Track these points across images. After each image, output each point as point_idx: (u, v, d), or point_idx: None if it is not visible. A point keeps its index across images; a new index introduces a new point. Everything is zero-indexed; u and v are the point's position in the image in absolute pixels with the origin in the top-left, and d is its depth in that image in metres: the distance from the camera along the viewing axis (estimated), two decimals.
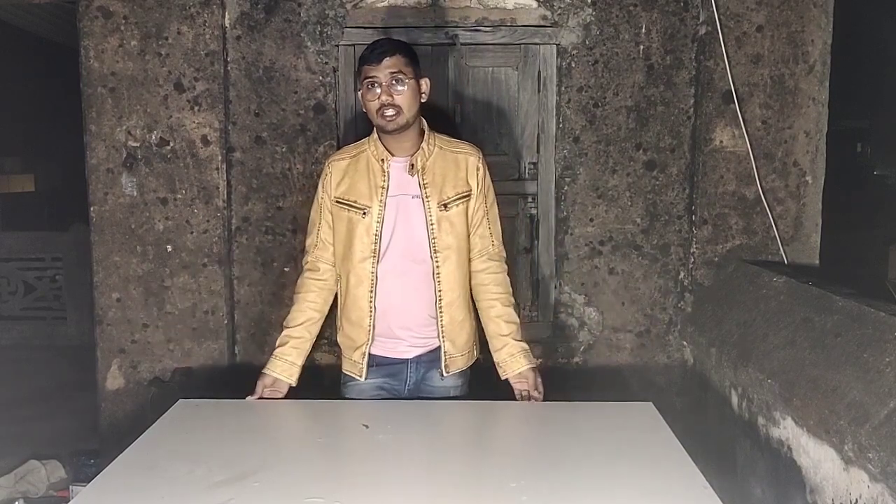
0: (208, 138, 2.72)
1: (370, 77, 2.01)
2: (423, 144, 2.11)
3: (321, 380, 2.59)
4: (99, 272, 2.75)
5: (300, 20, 2.74)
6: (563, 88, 2.79)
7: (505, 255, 2.24)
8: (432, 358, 2.17)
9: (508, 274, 2.24)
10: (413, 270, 2.12)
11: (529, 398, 2.12)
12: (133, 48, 2.68)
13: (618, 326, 2.89)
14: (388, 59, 2.01)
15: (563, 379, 2.81)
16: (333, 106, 2.78)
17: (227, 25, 2.73)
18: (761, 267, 2.62)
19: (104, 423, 2.82)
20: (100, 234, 2.75)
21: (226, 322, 2.79)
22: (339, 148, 2.62)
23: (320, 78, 2.76)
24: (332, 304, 2.24)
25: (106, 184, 2.73)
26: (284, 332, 2.18)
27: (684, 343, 2.87)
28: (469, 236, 2.16)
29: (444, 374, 2.16)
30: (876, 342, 1.82)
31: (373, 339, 2.14)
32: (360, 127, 2.67)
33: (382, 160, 2.11)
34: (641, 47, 2.77)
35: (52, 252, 5.69)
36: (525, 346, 2.16)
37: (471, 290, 2.21)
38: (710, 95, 2.75)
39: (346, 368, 2.21)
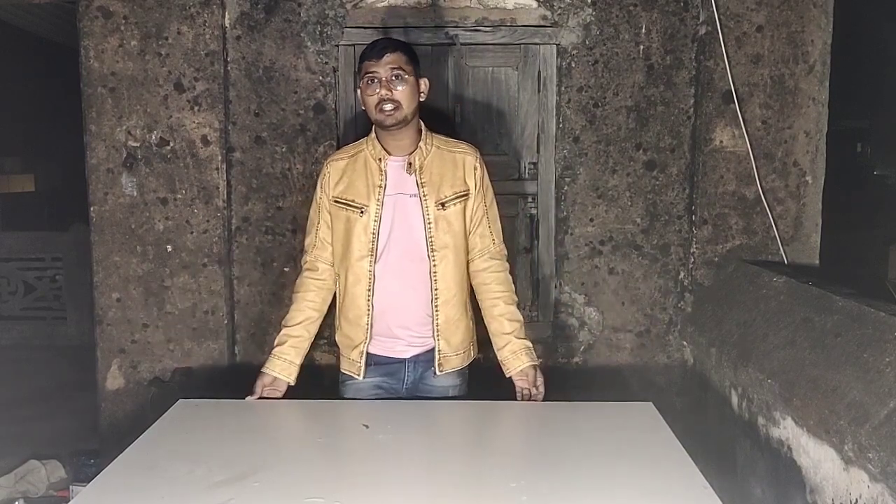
0: (208, 138, 2.72)
1: (370, 73, 2.02)
2: (421, 144, 2.12)
3: (320, 380, 2.60)
4: (99, 272, 2.75)
5: (300, 20, 2.74)
6: (563, 88, 2.79)
7: (506, 253, 2.25)
8: (429, 357, 2.17)
9: (509, 273, 2.24)
10: (411, 269, 2.12)
11: (530, 396, 2.12)
12: (133, 48, 2.68)
13: (618, 326, 2.89)
14: (388, 55, 2.02)
15: (563, 379, 2.81)
16: (333, 106, 2.78)
17: (227, 25, 2.73)
18: (761, 267, 2.61)
19: (104, 423, 2.82)
20: (100, 234, 2.75)
21: (226, 322, 2.79)
22: (338, 148, 2.62)
23: (320, 78, 2.77)
24: (331, 304, 2.24)
25: (106, 184, 2.73)
26: (283, 332, 2.18)
27: (684, 343, 2.87)
28: (466, 236, 2.16)
29: (437, 373, 2.17)
30: (876, 342, 1.82)
31: (371, 338, 2.14)
32: (360, 127, 2.67)
33: (380, 159, 2.11)
34: (641, 47, 2.77)
35: (52, 252, 5.69)
36: (528, 343, 2.16)
37: (472, 289, 2.22)
38: (710, 95, 2.75)
39: (345, 367, 2.21)
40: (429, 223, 2.10)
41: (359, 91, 2.10)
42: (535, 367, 2.15)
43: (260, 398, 2.11)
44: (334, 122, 2.79)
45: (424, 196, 2.10)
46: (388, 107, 2.02)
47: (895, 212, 6.10)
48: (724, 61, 2.71)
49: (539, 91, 2.82)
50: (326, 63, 2.76)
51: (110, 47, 2.68)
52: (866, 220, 5.93)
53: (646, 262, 2.86)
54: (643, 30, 2.76)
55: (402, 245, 2.11)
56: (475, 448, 1.92)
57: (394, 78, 2.02)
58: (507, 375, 2.16)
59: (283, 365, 2.14)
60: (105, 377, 2.80)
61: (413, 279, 2.12)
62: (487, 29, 2.76)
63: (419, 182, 2.10)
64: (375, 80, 2.02)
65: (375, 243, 2.10)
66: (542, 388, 2.13)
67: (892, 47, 6.53)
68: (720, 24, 2.69)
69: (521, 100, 2.83)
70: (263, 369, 2.15)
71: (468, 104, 2.83)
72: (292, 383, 2.15)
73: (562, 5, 2.75)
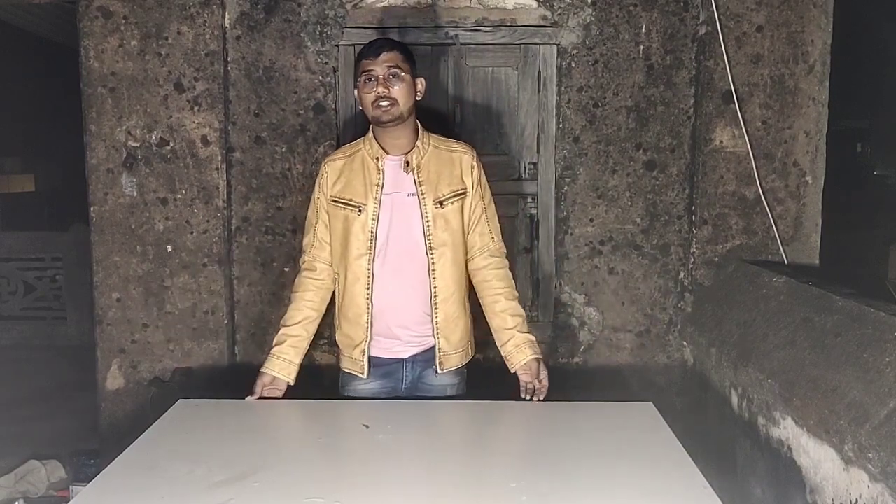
0: (208, 138, 2.72)
1: (367, 71, 2.04)
2: (418, 143, 2.13)
3: (320, 379, 2.60)
4: (99, 272, 2.75)
5: (300, 20, 2.74)
6: (563, 88, 2.79)
7: (505, 250, 2.26)
8: (428, 357, 2.18)
9: (509, 270, 2.25)
10: (409, 268, 2.12)
11: (533, 391, 2.12)
12: (133, 48, 2.68)
13: (618, 326, 2.89)
14: (385, 53, 2.03)
15: (563, 379, 2.80)
16: (333, 106, 2.78)
17: (227, 25, 2.73)
18: (761, 267, 2.62)
19: (104, 423, 2.82)
20: (100, 234, 2.75)
21: (226, 322, 2.79)
22: (338, 148, 2.62)
23: (320, 78, 2.77)
24: (330, 304, 2.24)
25: (106, 184, 2.73)
26: (282, 331, 2.18)
27: (684, 343, 2.87)
28: (464, 234, 2.17)
29: (439, 372, 2.17)
30: (876, 342, 1.82)
31: (371, 337, 2.14)
32: (360, 127, 2.67)
33: (377, 158, 2.12)
34: (641, 47, 2.77)
35: (52, 252, 5.69)
36: (531, 337, 2.17)
37: (472, 287, 2.23)
38: (710, 95, 2.75)
39: (347, 367, 2.21)
40: (427, 221, 2.10)
41: (355, 91, 2.11)
42: (538, 360, 2.15)
43: (260, 398, 2.11)
44: (334, 122, 2.79)
45: (422, 194, 2.10)
46: (385, 103, 2.03)
47: (895, 212, 6.10)
48: (724, 61, 2.71)
49: (539, 91, 2.82)
50: (326, 63, 2.76)
51: (110, 47, 2.68)
52: (866, 220, 5.94)
53: (646, 262, 2.86)
54: (643, 30, 2.76)
55: (401, 243, 2.12)
56: (475, 448, 1.92)
57: (390, 76, 2.03)
58: (512, 371, 2.16)
59: (283, 364, 2.14)
60: (105, 377, 2.80)
61: (412, 277, 2.13)
62: (487, 29, 2.76)
63: (417, 181, 2.11)
64: (372, 79, 2.03)
65: (374, 242, 2.10)
66: (545, 382, 2.13)
67: (892, 47, 6.53)
68: (720, 24, 2.69)
69: (521, 100, 2.83)
70: (263, 369, 2.15)
71: (468, 104, 2.83)
72: (292, 383, 2.15)
73: (562, 5, 2.75)
